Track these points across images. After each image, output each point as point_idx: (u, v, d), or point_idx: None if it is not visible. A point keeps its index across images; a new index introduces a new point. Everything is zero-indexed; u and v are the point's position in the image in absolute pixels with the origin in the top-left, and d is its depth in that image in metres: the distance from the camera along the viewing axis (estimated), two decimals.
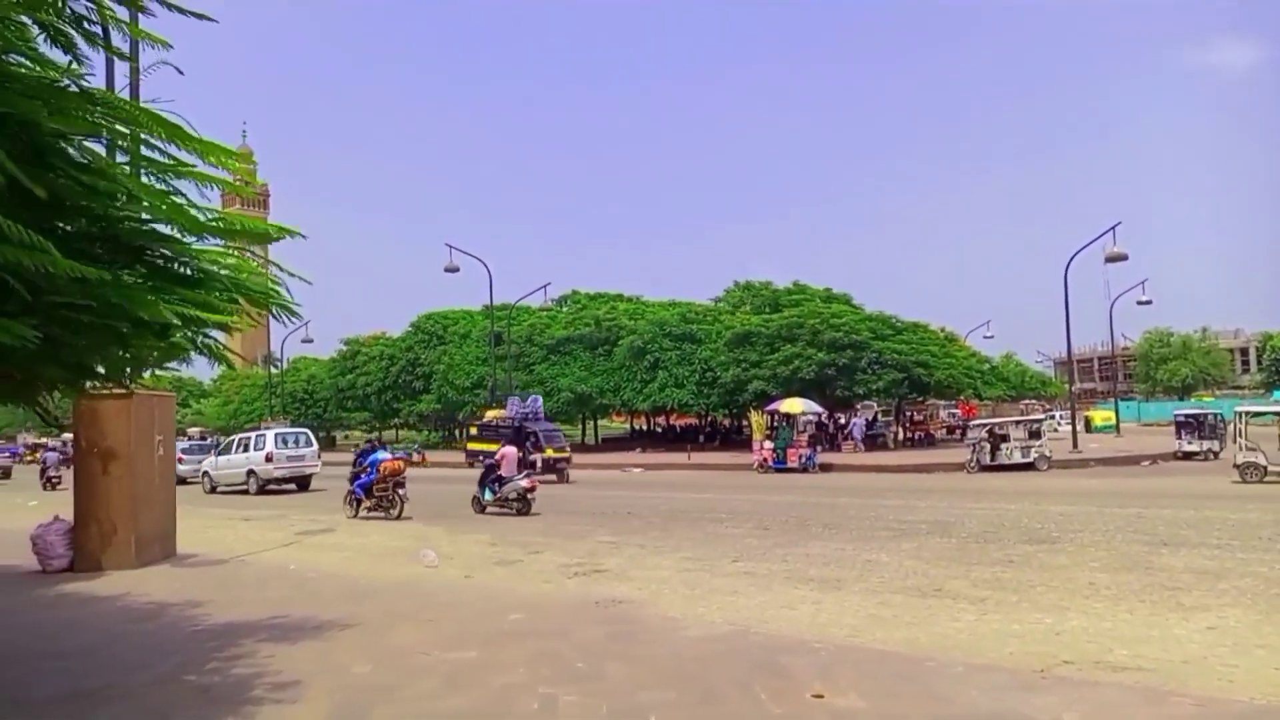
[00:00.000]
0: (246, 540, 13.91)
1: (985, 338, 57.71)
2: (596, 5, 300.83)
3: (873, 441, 37.67)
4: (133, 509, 10.94)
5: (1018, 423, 27.06)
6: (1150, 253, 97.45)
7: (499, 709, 4.94)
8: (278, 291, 5.81)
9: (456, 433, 57.85)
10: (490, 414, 31.57)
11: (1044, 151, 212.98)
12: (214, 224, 4.92)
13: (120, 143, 4.76)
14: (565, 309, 53.71)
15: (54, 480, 28.57)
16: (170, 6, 4.28)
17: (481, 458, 27.81)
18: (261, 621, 7.57)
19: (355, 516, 16.97)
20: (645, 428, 60.36)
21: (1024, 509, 14.95)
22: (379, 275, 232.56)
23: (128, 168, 4.95)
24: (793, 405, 29.47)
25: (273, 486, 25.14)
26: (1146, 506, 14.74)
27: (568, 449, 28.33)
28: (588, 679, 5.47)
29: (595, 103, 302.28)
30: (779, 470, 27.69)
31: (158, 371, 8.53)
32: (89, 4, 4.26)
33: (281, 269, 5.90)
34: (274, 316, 6.11)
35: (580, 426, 56.78)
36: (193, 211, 4.73)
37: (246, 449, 25.72)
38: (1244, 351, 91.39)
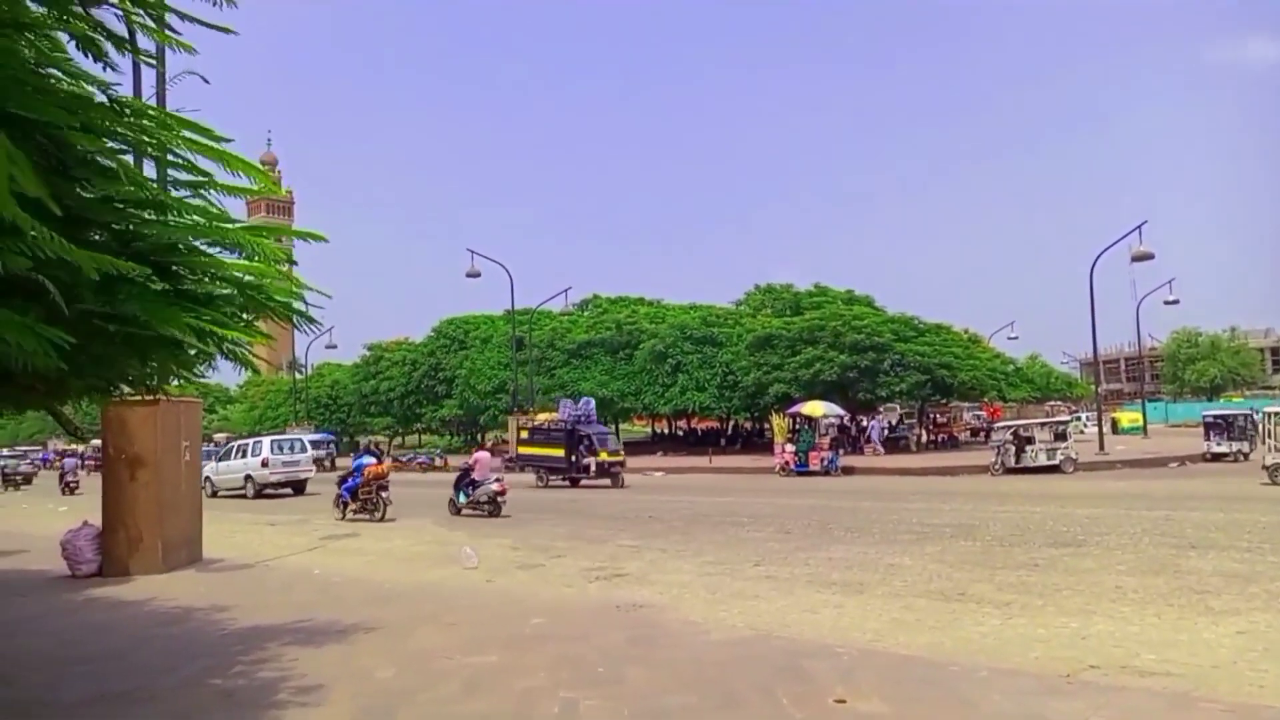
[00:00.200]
0: (271, 545, 14.03)
1: (1009, 339, 57.25)
2: (619, 7, 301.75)
3: (895, 444, 37.47)
4: (159, 515, 11.08)
5: (1043, 424, 26.79)
6: (1178, 252, 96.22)
7: (520, 713, 4.95)
8: (298, 304, 5.87)
9: (478, 437, 58.07)
10: (541, 416, 30.61)
11: (1069, 150, 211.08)
12: (236, 238, 4.97)
13: (149, 151, 4.83)
14: (586, 313, 53.79)
15: (72, 485, 29.60)
16: (187, 18, 4.33)
17: (534, 462, 27.62)
18: (286, 625, 7.64)
19: (343, 518, 17.61)
20: (667, 431, 60.31)
21: (1049, 512, 14.80)
22: (402, 280, 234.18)
23: (154, 178, 5.03)
24: (814, 408, 29.37)
25: (269, 491, 25.90)
26: (1174, 509, 14.54)
27: (622, 452, 27.47)
28: (608, 683, 5.47)
29: (615, 107, 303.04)
30: (801, 473, 27.58)
31: (185, 378, 8.66)
32: (116, 11, 4.32)
33: (300, 284, 5.97)
34: (295, 327, 6.17)
35: None
36: (216, 225, 4.79)
37: (244, 455, 26.67)
38: (1274, 351, 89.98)
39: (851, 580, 9.18)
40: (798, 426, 29.53)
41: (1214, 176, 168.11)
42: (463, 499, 17.89)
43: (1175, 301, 43.29)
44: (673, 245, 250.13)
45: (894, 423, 40.09)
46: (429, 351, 56.20)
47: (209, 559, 12.10)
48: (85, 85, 4.02)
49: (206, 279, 4.95)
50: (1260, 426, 22.08)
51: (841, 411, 32.47)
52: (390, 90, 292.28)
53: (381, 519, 17.08)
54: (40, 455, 48.18)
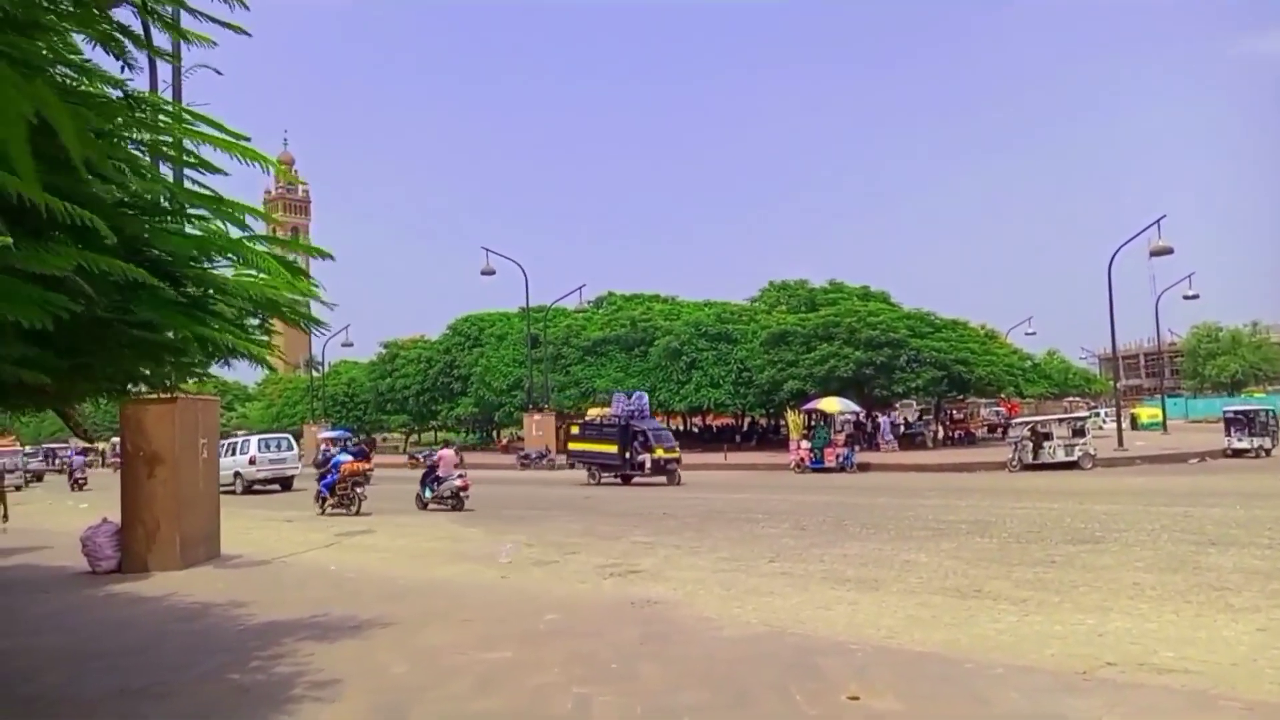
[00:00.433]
0: (288, 542, 14.12)
1: (1027, 334, 56.90)
2: (633, 5, 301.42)
3: (911, 440, 37.32)
4: (178, 511, 11.17)
5: (1061, 420, 26.60)
6: (1198, 246, 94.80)
7: (533, 709, 4.97)
8: (306, 309, 5.91)
9: (494, 434, 58.28)
10: (593, 412, 29.56)
11: (1087, 144, 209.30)
12: (247, 251, 5.00)
13: (164, 151, 4.86)
14: (601, 310, 53.82)
15: (80, 481, 31.28)
16: (203, 16, 4.35)
17: (586, 458, 26.81)
18: (302, 621, 7.69)
19: (322, 513, 18.36)
20: (682, 428, 60.29)
21: (1067, 508, 14.70)
22: (417, 278, 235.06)
23: (170, 178, 5.07)
24: (830, 404, 29.30)
25: (258, 487, 26.48)
26: (1194, 505, 14.41)
27: (678, 449, 26.43)
28: (622, 679, 5.48)
29: (630, 103, 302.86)
30: (816, 470, 27.51)
31: (195, 377, 8.75)
32: (131, 6, 4.34)
33: (309, 291, 6.01)
34: (305, 331, 6.22)
35: None
36: (226, 238, 4.83)
37: (233, 453, 27.05)
38: None
39: (866, 577, 9.15)
40: (813, 423, 29.46)
41: (1235, 170, 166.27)
42: (428, 494, 18.89)
43: (1195, 296, 42.90)
44: (687, 242, 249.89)
45: (910, 419, 39.90)
46: (444, 349, 56.39)
47: (227, 555, 12.20)
48: (99, 85, 4.03)
49: (214, 290, 4.98)
50: None
51: (857, 408, 32.38)
52: (405, 89, 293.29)
53: (357, 513, 17.86)
54: (69, 453, 48.94)
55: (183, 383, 10.69)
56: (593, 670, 5.71)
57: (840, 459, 27.39)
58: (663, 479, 24.74)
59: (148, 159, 4.67)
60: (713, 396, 42.49)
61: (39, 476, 40.53)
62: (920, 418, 41.36)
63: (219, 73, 4.98)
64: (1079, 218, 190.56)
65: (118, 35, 3.90)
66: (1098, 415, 47.00)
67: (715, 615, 7.46)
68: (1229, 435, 27.06)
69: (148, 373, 5.64)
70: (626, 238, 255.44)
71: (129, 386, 6.05)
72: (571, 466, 28.45)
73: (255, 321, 6.35)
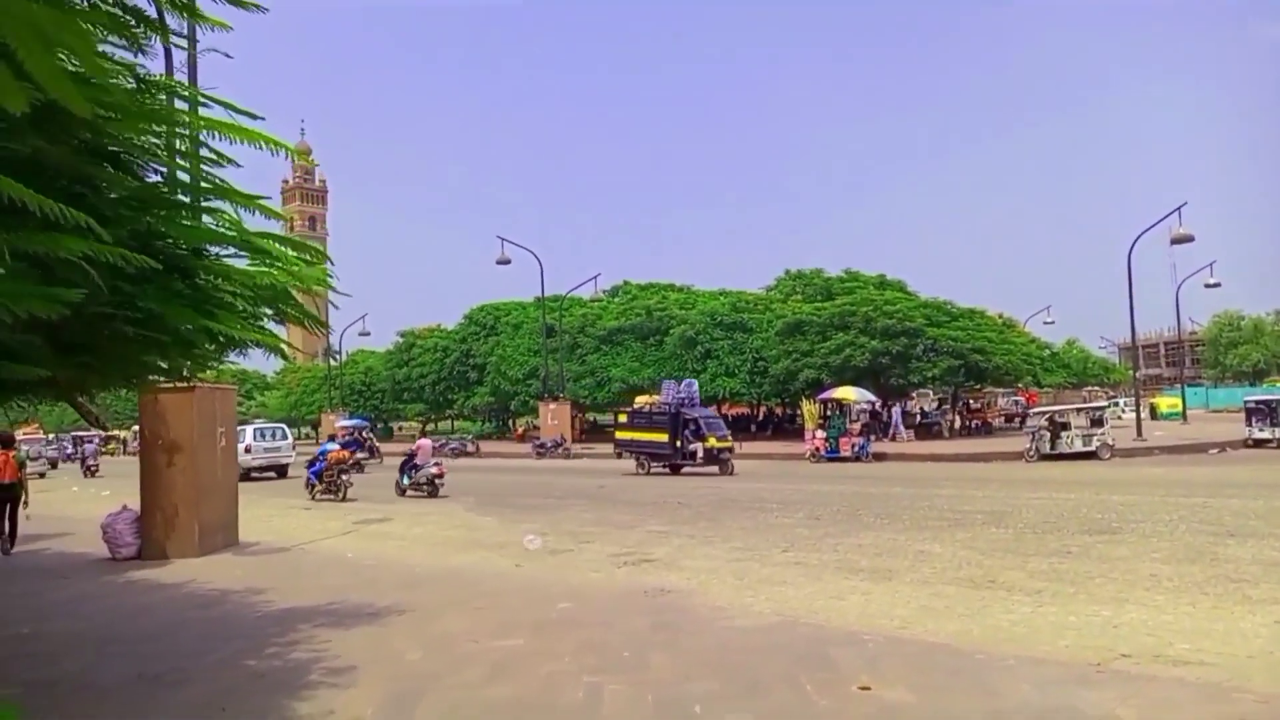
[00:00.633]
0: (306, 529, 14.24)
1: (1046, 323, 56.49)
2: None
3: (928, 430, 37.14)
4: (196, 499, 11.29)
5: (1079, 410, 26.39)
6: (1219, 234, 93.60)
7: (544, 698, 5.00)
8: (324, 296, 5.94)
9: (509, 423, 58.47)
10: (641, 400, 28.41)
11: (1108, 131, 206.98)
12: (256, 243, 5.01)
13: (177, 136, 4.87)
14: (616, 299, 53.80)
15: (92, 469, 32.88)
16: None
17: (634, 448, 26.21)
18: (319, 608, 7.76)
19: (313, 499, 19.30)
20: None
21: (1084, 498, 14.61)
22: (434, 267, 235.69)
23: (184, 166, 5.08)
24: (846, 393, 29.19)
25: (254, 474, 27.05)
26: (1213, 496, 14.28)
27: (730, 438, 25.67)
28: (633, 669, 5.50)
29: (646, 92, 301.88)
30: (832, 459, 27.45)
31: (205, 368, 8.83)
32: None
33: (323, 283, 6.03)
34: (309, 330, 6.26)
35: None
36: (234, 229, 4.84)
37: None
38: None
39: (880, 567, 9.14)
40: (829, 412, 29.36)
41: (1257, 156, 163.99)
42: (405, 481, 19.77)
43: (1216, 284, 42.46)
44: (703, 231, 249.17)
45: (926, 409, 39.68)
46: (461, 338, 56.56)
47: (245, 543, 12.32)
48: (112, 67, 4.03)
49: (223, 281, 5.00)
50: None
51: (873, 397, 32.24)
52: (421, 78, 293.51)
53: (342, 499, 18.86)
54: (94, 440, 49.76)
55: (200, 373, 10.80)
56: (604, 659, 5.74)
57: (856, 449, 27.31)
58: (714, 469, 23.97)
59: (161, 149, 4.68)
60: (728, 386, 42.44)
61: (53, 464, 41.43)
62: (939, 407, 41.09)
63: (229, 56, 4.96)
64: (1099, 206, 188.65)
65: (127, 19, 3.89)
66: (1116, 405, 46.59)
67: (728, 605, 7.47)
68: (1250, 425, 26.79)
69: (159, 364, 5.68)
70: (642, 227, 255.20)
71: (142, 377, 6.09)
72: (619, 456, 27.82)
73: (269, 311, 6.38)
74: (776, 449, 33.78)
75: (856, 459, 27.02)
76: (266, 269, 5.57)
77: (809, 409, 31.45)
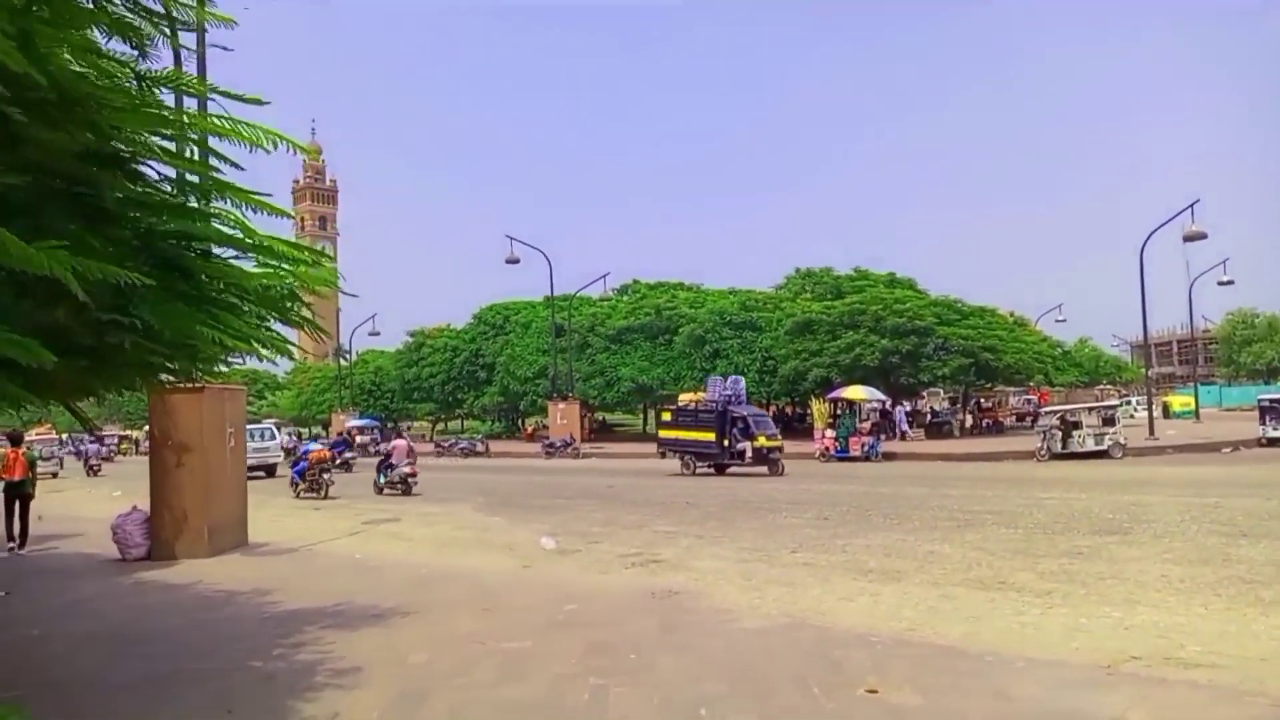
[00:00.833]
0: (315, 530, 14.27)
1: (1057, 321, 56.25)
2: None
3: (938, 429, 37.01)
4: (205, 499, 11.32)
5: (1091, 409, 26.25)
6: (1232, 231, 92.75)
7: (550, 700, 4.98)
8: (321, 312, 5.94)
9: (519, 423, 58.52)
10: (685, 397, 27.56)
11: (1119, 127, 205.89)
12: (255, 243, 5.00)
13: (186, 136, 4.87)
14: (625, 298, 53.79)
15: (95, 468, 33.96)
16: None
17: (679, 447, 25.23)
18: (326, 609, 7.77)
19: (297, 497, 20.05)
20: None
21: (1095, 498, 14.52)
22: (444, 266, 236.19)
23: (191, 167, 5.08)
24: (855, 393, 29.16)
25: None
26: (1225, 495, 14.17)
27: (779, 437, 24.87)
28: (640, 670, 5.48)
29: (653, 91, 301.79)
30: (841, 459, 27.38)
31: (205, 373, 8.85)
32: None
33: (330, 283, 6.02)
34: (311, 336, 6.26)
35: (642, 416, 56.96)
36: (237, 228, 4.83)
37: None
38: None
39: (889, 568, 9.09)
40: (839, 412, 29.29)
41: (1271, 153, 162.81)
42: (382, 480, 20.71)
43: (1230, 282, 42.13)
44: (712, 230, 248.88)
45: (937, 408, 39.55)
46: (470, 338, 56.63)
47: (254, 543, 12.35)
48: (113, 65, 4.01)
49: (227, 285, 5.00)
50: None
51: (883, 396, 32.17)
52: (431, 79, 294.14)
53: (324, 497, 19.68)
54: (112, 440, 50.47)
55: (207, 375, 10.83)
56: (611, 661, 5.72)
57: (865, 448, 27.24)
58: (763, 469, 23.23)
59: (163, 149, 4.66)
60: None
61: (61, 463, 42.06)
62: (951, 406, 40.97)
63: (228, 49, 4.94)
64: (1111, 203, 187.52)
65: (129, 18, 3.89)
66: (1129, 403, 46.37)
67: (735, 606, 7.45)
68: (1264, 424, 26.59)
69: (165, 366, 5.68)
70: (651, 226, 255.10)
71: (146, 380, 6.09)
72: (663, 456, 26.91)
73: (274, 316, 6.37)
74: (786, 448, 33.45)
75: (866, 459, 26.96)
76: (273, 270, 5.57)
77: (819, 408, 31.43)
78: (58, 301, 3.36)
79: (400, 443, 22.00)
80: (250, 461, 27.69)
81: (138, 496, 13.87)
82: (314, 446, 21.83)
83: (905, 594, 7.81)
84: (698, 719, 4.61)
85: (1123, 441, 24.54)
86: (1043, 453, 24.68)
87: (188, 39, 5.09)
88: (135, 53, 4.33)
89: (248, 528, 12.63)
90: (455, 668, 5.69)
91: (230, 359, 7.22)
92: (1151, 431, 29.45)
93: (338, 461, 27.66)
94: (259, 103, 4.55)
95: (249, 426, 30.48)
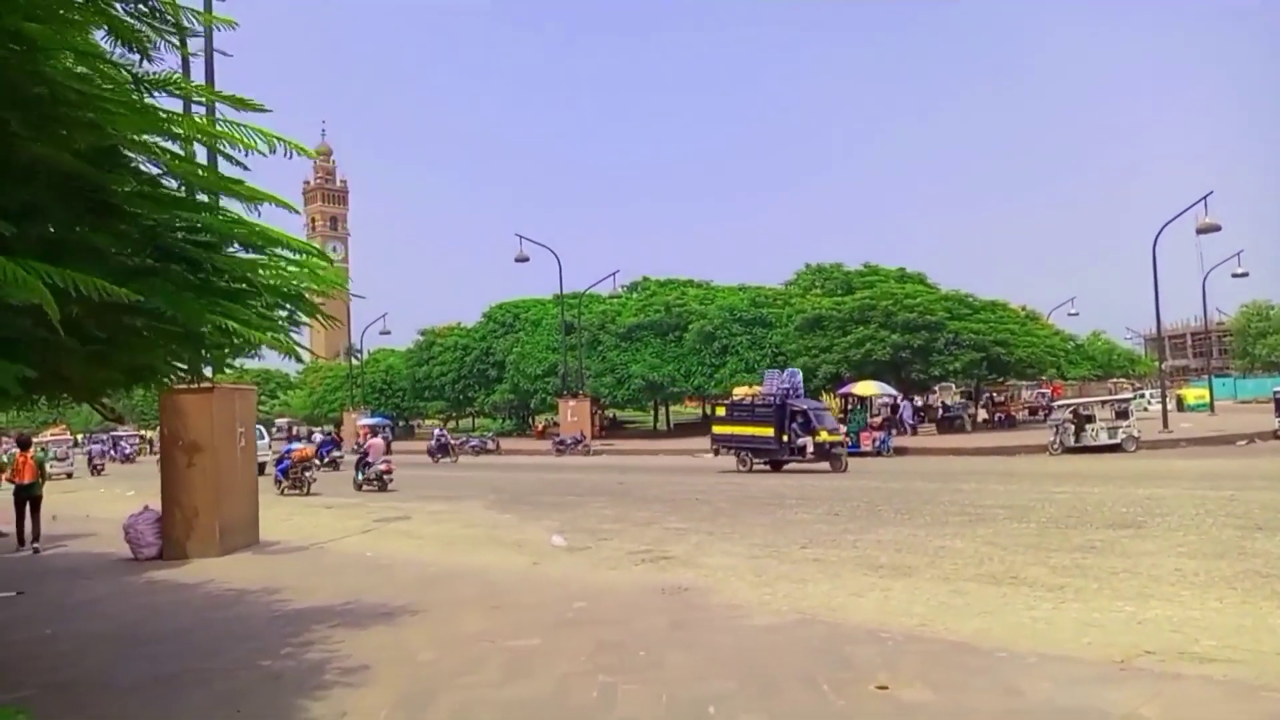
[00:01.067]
0: (327, 528, 14.29)
1: (1070, 315, 55.90)
2: None
3: (950, 424, 36.81)
4: (216, 499, 11.36)
5: (1104, 402, 26.07)
6: (1247, 222, 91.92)
7: (558, 698, 4.96)
8: (321, 308, 5.93)
9: (530, 420, 58.60)
10: (740, 391, 26.48)
11: (1132, 119, 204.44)
12: (259, 235, 4.99)
13: (194, 138, 4.86)
14: (635, 295, 53.76)
15: (98, 467, 35.48)
16: None
17: (735, 443, 24.18)
18: (335, 607, 7.78)
19: (281, 494, 20.67)
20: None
21: (1108, 492, 14.40)
22: (454, 265, 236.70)
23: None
24: (866, 388, 29.08)
25: None
26: (1241, 488, 14.04)
27: (841, 431, 24.02)
28: (648, 668, 5.45)
29: (662, 87, 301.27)
30: (852, 454, 27.16)
31: (218, 369, 8.86)
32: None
33: (338, 283, 6.01)
34: (321, 325, 6.25)
35: (653, 413, 56.95)
36: (243, 222, 4.82)
37: None
38: None
39: (900, 563, 9.04)
40: (850, 407, 29.18)
41: None
42: (360, 477, 21.73)
43: (1244, 274, 41.73)
44: (722, 226, 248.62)
45: (948, 402, 39.34)
46: (480, 336, 56.73)
47: (265, 542, 12.38)
48: (112, 69, 4.00)
49: (231, 278, 4.99)
50: None
51: (894, 391, 32.03)
52: (439, 77, 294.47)
53: (306, 494, 20.52)
54: (133, 440, 51.11)
55: (218, 372, 10.84)
56: (620, 658, 5.69)
57: (876, 443, 27.14)
58: (825, 465, 22.16)
59: (163, 149, 4.65)
60: (747, 381, 42.23)
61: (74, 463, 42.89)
62: (965, 400, 40.74)
63: (227, 54, 4.96)
64: (1124, 195, 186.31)
65: (131, 23, 3.88)
66: (1142, 396, 46.02)
67: (745, 603, 7.41)
68: (1279, 416, 26.34)
69: (175, 362, 5.68)
70: (660, 223, 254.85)
71: (156, 374, 6.09)
72: (716, 453, 25.85)
73: (284, 313, 6.37)
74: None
75: (878, 454, 26.86)
76: (280, 263, 5.56)
77: (830, 404, 31.30)
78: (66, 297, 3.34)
79: (376, 441, 23.42)
80: None
81: (144, 495, 13.94)
82: (296, 446, 23.34)
83: (916, 589, 7.76)
84: (706, 717, 4.58)
85: (1136, 435, 24.35)
86: (1055, 447, 24.52)
87: (195, 44, 5.09)
88: (138, 57, 4.32)
89: (259, 527, 12.66)
90: (463, 666, 5.68)
91: (240, 356, 7.24)
92: (1165, 425, 29.24)
93: (326, 460, 29.35)
94: (260, 109, 4.54)
95: None
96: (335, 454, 30.77)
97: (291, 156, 4.76)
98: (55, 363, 3.89)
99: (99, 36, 4.05)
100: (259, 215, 5.24)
